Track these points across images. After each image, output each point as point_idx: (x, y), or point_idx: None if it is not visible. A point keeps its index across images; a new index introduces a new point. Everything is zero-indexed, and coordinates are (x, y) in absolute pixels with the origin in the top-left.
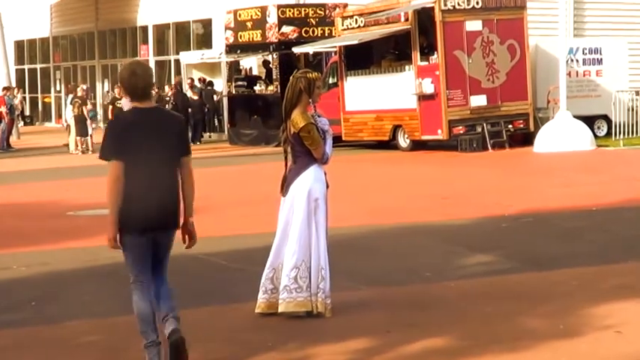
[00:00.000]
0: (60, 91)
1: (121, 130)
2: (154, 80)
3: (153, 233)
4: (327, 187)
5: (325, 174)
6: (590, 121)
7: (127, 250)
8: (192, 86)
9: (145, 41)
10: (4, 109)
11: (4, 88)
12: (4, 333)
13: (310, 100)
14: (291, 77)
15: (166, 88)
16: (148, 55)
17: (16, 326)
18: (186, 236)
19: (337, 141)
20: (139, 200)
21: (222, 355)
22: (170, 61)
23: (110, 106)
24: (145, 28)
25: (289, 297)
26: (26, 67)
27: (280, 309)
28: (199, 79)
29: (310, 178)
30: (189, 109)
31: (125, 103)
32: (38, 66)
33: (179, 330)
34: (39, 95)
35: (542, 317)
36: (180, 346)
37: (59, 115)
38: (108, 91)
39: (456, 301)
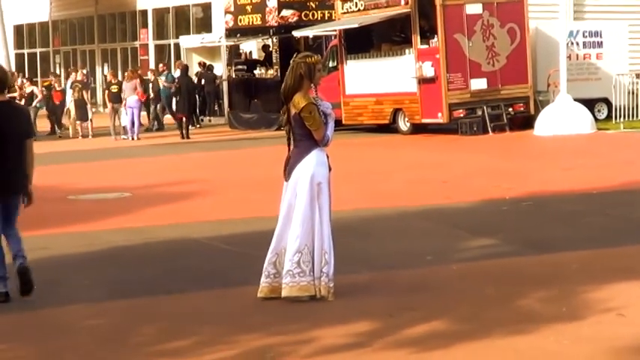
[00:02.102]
0: (60, 76)
1: None
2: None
3: (4, 197)
4: (330, 170)
5: (328, 157)
6: (590, 104)
7: None
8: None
9: (145, 25)
10: None
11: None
12: (3, 317)
13: (312, 85)
14: (291, 62)
15: (149, 73)
16: (148, 39)
17: (16, 311)
18: (26, 198)
19: (337, 125)
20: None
21: (224, 338)
22: (170, 45)
23: (106, 91)
24: (144, 12)
25: (292, 281)
26: (26, 51)
27: (283, 293)
28: (199, 63)
29: (313, 161)
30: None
31: (126, 87)
32: (38, 50)
33: (25, 263)
34: (39, 79)
35: (545, 300)
36: (25, 272)
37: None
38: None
39: (458, 284)
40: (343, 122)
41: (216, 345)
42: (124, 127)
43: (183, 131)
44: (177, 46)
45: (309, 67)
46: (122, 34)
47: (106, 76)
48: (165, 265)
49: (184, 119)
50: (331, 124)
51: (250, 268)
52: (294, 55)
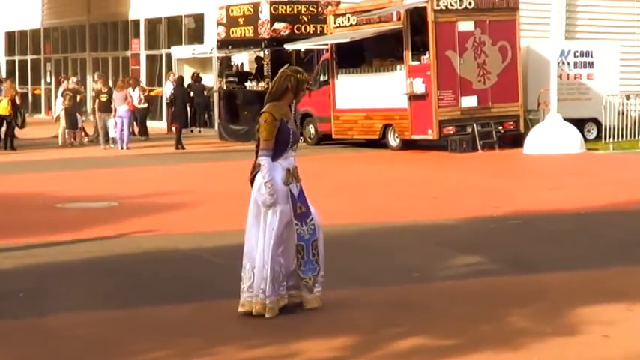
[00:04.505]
0: (50, 83)
1: None
2: None
3: None
4: (299, 181)
5: (294, 169)
6: (580, 124)
7: None
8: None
9: (137, 35)
10: None
11: None
12: None
13: (294, 101)
14: (280, 71)
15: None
16: (140, 49)
17: (3, 317)
18: None
19: (327, 139)
20: None
21: (208, 350)
22: (161, 55)
23: (96, 100)
24: (136, 22)
25: (242, 297)
26: (17, 58)
27: (239, 310)
28: (192, 75)
29: (260, 180)
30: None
31: (117, 96)
32: (29, 57)
33: None
34: (29, 87)
35: (530, 320)
36: None
37: (49, 107)
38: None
39: (443, 302)
40: (333, 136)
41: (200, 357)
42: (112, 138)
43: (179, 142)
44: (168, 56)
45: (298, 83)
46: (114, 44)
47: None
48: (150, 276)
49: (178, 129)
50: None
51: (236, 281)
52: (286, 66)
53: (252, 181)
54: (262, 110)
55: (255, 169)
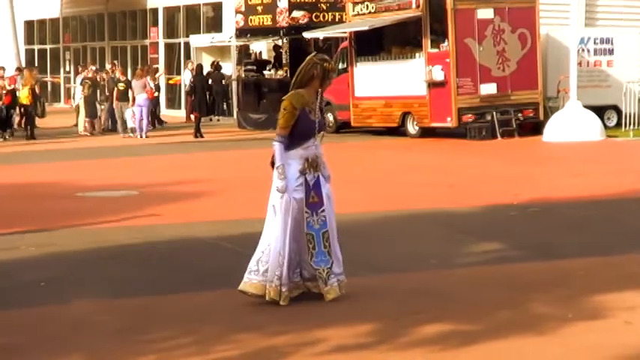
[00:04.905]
0: (69, 72)
1: None
2: None
3: None
4: (317, 171)
5: (316, 158)
6: (600, 111)
7: None
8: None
9: (155, 24)
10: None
11: (17, 69)
12: (13, 313)
13: (319, 90)
14: (308, 58)
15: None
16: (158, 37)
17: (26, 306)
18: None
19: (346, 127)
20: None
21: (229, 337)
22: (180, 43)
23: (114, 88)
24: (155, 11)
25: (247, 277)
26: (36, 47)
27: (239, 287)
28: (212, 63)
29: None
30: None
31: (135, 85)
32: (48, 46)
33: None
34: (48, 75)
35: (551, 306)
36: None
37: (68, 96)
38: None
39: (463, 289)
40: (352, 124)
41: (221, 344)
42: (131, 127)
43: (198, 130)
44: (187, 45)
45: (325, 71)
46: (132, 32)
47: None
48: (170, 264)
49: (198, 118)
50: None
51: None
52: (314, 54)
53: (272, 165)
54: (284, 97)
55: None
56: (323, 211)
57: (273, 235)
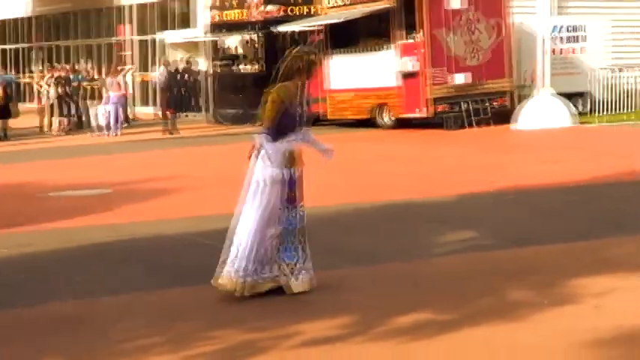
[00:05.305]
0: (42, 71)
1: None
2: None
3: None
4: (298, 165)
5: (295, 152)
6: (571, 98)
7: None
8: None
9: (127, 21)
10: None
11: None
12: None
13: (303, 83)
14: (294, 50)
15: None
16: (129, 34)
17: (1, 307)
18: None
19: (319, 120)
20: None
21: (205, 333)
22: (152, 40)
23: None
24: (126, 8)
25: (224, 270)
26: (7, 47)
27: (214, 282)
28: (184, 60)
29: (259, 157)
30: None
31: (109, 83)
32: (20, 46)
33: None
34: (20, 75)
35: (525, 292)
36: None
37: (39, 96)
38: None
39: (440, 278)
40: (328, 117)
41: (198, 341)
42: (99, 125)
43: (171, 127)
44: (158, 41)
45: (309, 63)
46: (103, 30)
47: (88, 72)
48: (146, 262)
49: (173, 114)
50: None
51: None
52: (299, 46)
53: (250, 158)
54: (270, 90)
55: (255, 148)
56: (302, 206)
57: (247, 229)
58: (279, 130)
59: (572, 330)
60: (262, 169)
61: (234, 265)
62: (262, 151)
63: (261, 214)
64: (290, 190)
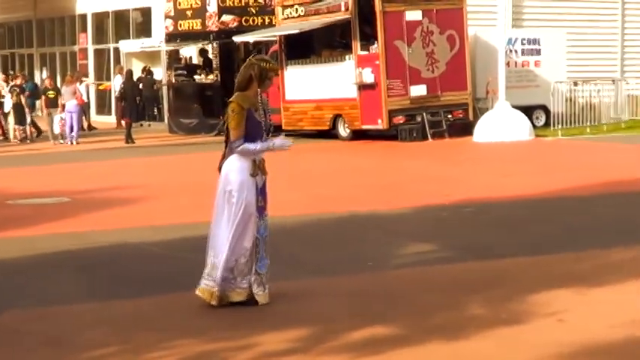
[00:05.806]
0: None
1: None
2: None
3: None
4: (265, 174)
5: (262, 161)
6: (528, 111)
7: None
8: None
9: (84, 30)
10: None
11: None
12: None
13: (258, 90)
14: (247, 60)
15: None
16: (87, 43)
17: None
18: None
19: (277, 130)
20: None
21: (164, 344)
22: (110, 49)
23: (43, 97)
24: (83, 17)
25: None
26: None
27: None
28: (143, 69)
29: (231, 166)
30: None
31: (65, 91)
32: None
33: None
34: None
35: (485, 306)
36: None
37: None
38: (43, 80)
39: (398, 290)
40: (283, 127)
41: (156, 351)
42: (59, 134)
43: (129, 136)
44: (116, 50)
45: (262, 71)
46: (61, 39)
47: (44, 81)
48: (105, 271)
49: (128, 124)
50: (262, 142)
51: (193, 274)
52: (252, 55)
53: (220, 170)
54: (229, 100)
55: (224, 158)
56: (266, 216)
57: (221, 240)
58: (246, 138)
59: (535, 343)
60: (239, 177)
61: (210, 276)
62: (253, 147)
63: (236, 224)
64: (262, 199)
